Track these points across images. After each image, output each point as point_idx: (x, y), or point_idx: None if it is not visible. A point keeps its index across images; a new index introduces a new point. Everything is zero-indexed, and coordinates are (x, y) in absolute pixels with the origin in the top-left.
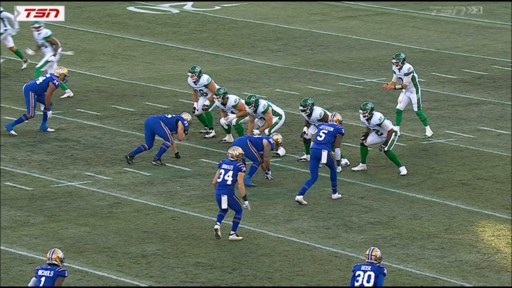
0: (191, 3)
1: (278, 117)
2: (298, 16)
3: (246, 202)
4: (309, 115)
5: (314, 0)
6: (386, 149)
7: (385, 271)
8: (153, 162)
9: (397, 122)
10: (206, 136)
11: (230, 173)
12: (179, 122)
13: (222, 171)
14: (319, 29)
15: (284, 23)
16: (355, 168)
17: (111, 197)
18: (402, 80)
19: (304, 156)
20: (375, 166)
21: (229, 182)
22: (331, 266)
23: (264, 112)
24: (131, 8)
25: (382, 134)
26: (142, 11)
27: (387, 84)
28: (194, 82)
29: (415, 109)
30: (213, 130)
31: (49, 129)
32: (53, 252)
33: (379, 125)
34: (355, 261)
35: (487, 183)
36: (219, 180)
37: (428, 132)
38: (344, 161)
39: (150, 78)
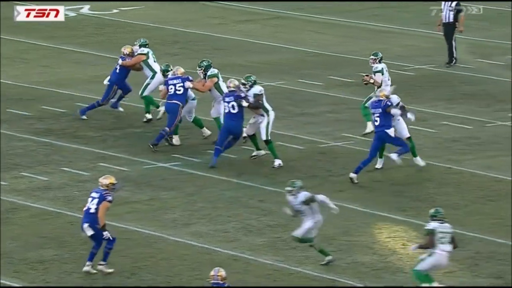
0: (88, 6)
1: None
2: (196, 19)
3: (105, 233)
4: None
5: (210, 0)
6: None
7: None
8: (153, 147)
9: (367, 118)
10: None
11: (96, 201)
12: (187, 83)
13: (90, 199)
14: (217, 32)
15: (182, 27)
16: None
17: (7, 203)
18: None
19: (255, 153)
20: (276, 168)
21: (92, 210)
22: (230, 270)
23: (209, 77)
24: None
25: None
26: None
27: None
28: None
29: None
30: (149, 115)
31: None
32: None
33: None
34: (254, 264)
35: (383, 185)
36: (84, 209)
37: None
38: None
39: (46, 81)
